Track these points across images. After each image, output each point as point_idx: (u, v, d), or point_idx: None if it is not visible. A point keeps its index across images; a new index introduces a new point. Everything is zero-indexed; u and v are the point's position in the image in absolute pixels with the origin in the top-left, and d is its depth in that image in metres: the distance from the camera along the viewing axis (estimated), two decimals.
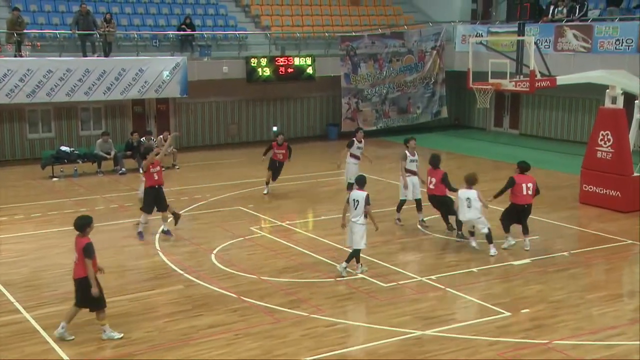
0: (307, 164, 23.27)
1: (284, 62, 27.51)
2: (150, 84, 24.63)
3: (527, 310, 11.27)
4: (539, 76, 18.64)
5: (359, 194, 12.64)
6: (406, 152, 15.94)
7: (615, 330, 10.56)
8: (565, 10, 25.56)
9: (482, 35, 27.33)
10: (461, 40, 29.18)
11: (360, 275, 12.77)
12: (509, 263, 13.58)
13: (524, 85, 18.82)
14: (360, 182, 12.94)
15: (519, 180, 14.09)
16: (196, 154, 25.78)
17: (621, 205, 17.25)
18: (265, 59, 27.14)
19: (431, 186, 15.05)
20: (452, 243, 14.88)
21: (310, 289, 12.20)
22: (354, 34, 29.24)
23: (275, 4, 30.56)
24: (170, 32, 26.78)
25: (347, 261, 12.82)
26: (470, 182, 13.93)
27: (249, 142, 28.05)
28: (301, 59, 27.80)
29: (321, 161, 23.88)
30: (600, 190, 17.68)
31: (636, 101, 17.72)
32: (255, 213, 17.43)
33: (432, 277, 12.76)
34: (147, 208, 15.10)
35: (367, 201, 12.55)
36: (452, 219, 15.07)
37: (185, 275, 12.95)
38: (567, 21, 25.16)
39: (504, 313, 11.15)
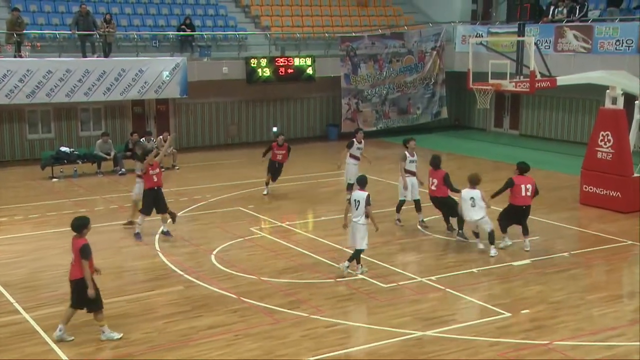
0: (307, 165, 23.26)
1: (284, 62, 27.50)
2: (150, 85, 24.62)
3: (528, 311, 11.26)
4: (539, 77, 18.63)
5: (360, 194, 12.64)
6: (406, 152, 15.92)
7: (616, 331, 10.55)
8: (565, 11, 25.56)
9: (482, 36, 27.32)
10: (461, 40, 29.17)
11: (360, 276, 12.76)
12: (509, 264, 13.57)
13: (524, 85, 18.81)
14: (362, 182, 12.93)
15: (517, 181, 14.08)
16: (196, 155, 25.77)
17: (621, 205, 17.24)
18: (265, 60, 27.13)
19: (433, 187, 15.02)
20: (452, 244, 14.86)
21: (310, 290, 12.19)
22: (354, 34, 29.23)
23: (275, 5, 30.55)
24: (170, 33, 26.77)
25: (350, 260, 12.82)
26: (474, 182, 13.93)
27: (249, 143, 28.03)
28: (301, 59, 27.78)
29: (321, 162, 23.86)
30: (601, 190, 17.66)
31: (636, 102, 17.70)
32: (255, 214, 17.42)
33: (432, 277, 12.75)
34: (145, 210, 15.08)
35: (368, 201, 12.54)
36: (452, 220, 15.07)
37: (185, 276, 12.93)
38: (567, 22, 25.16)
39: (504, 314, 11.14)
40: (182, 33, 26.48)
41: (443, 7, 32.02)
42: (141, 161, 15.26)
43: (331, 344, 10.10)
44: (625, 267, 13.99)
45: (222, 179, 21.50)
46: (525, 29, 23.52)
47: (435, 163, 15.03)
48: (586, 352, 9.86)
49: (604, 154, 17.63)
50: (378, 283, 12.48)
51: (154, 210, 15.12)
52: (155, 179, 14.94)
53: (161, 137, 22.43)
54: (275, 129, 28.30)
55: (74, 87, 23.46)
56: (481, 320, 10.92)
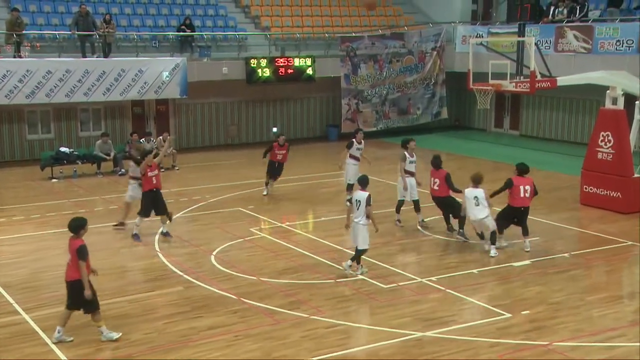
0: (307, 165, 23.24)
1: (284, 63, 27.49)
2: (149, 85, 24.60)
3: (527, 311, 11.24)
4: (539, 77, 18.62)
5: (361, 195, 12.64)
6: (405, 153, 15.92)
7: (616, 331, 10.54)
8: (565, 11, 25.54)
9: (482, 36, 27.30)
10: (461, 41, 29.14)
11: (361, 277, 12.74)
12: (509, 264, 13.56)
13: (525, 86, 18.81)
14: (363, 182, 12.92)
15: (516, 182, 14.06)
16: (196, 155, 25.76)
17: (622, 206, 17.23)
18: (265, 60, 27.12)
19: (435, 187, 15.02)
20: (453, 244, 14.85)
21: (310, 291, 12.18)
22: (354, 34, 29.22)
23: (275, 5, 30.54)
24: (169, 33, 26.76)
25: (352, 259, 12.82)
26: (477, 181, 13.93)
27: (249, 143, 28.02)
28: (301, 59, 27.77)
29: (321, 162, 23.85)
30: (601, 191, 17.65)
31: (637, 102, 17.68)
32: (255, 214, 17.41)
33: (432, 278, 12.73)
34: (144, 212, 15.05)
35: (368, 202, 12.53)
36: (453, 220, 15.05)
37: (185, 276, 12.92)
38: (567, 22, 25.14)
39: (504, 314, 11.13)
40: (182, 33, 26.47)
41: (443, 8, 32.01)
42: (137, 163, 15.22)
43: (331, 344, 10.09)
44: (626, 267, 13.97)
45: (222, 180, 21.49)
46: (526, 29, 23.54)
47: (436, 163, 15.03)
48: (586, 352, 9.84)
49: (604, 154, 17.62)
50: (378, 284, 12.47)
51: (152, 212, 15.11)
52: (154, 181, 14.89)
53: (161, 137, 22.43)
54: (275, 129, 28.29)
55: (74, 87, 23.45)
56: (481, 321, 10.91)
